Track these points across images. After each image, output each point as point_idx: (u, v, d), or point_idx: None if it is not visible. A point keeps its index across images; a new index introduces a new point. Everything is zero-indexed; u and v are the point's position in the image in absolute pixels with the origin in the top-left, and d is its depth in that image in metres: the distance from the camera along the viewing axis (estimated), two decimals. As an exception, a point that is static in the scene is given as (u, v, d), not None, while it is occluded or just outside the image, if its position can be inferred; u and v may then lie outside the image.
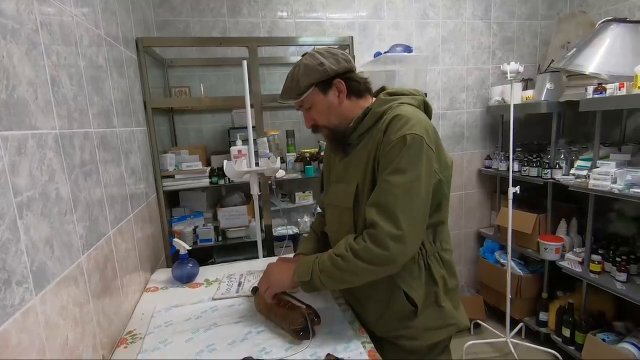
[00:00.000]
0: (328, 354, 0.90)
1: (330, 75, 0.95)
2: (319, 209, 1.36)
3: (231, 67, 2.24)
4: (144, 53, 1.63)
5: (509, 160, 2.17)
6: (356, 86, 0.99)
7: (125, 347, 1.01)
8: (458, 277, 1.07)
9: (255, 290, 1.17)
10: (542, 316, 2.33)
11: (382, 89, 1.05)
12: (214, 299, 1.25)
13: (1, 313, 0.57)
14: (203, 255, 2.05)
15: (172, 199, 2.06)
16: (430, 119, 1.01)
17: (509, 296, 2.24)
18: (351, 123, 1.00)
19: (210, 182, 1.85)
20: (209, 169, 1.86)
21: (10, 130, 0.65)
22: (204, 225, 1.93)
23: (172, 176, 1.77)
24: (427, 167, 0.88)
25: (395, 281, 0.98)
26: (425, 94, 1.07)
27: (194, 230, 1.90)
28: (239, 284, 1.35)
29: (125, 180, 1.29)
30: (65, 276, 0.79)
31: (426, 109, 1.02)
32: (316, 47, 1.03)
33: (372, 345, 0.97)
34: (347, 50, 1.90)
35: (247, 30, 2.23)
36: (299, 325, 0.97)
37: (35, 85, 0.75)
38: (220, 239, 1.96)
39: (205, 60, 2.20)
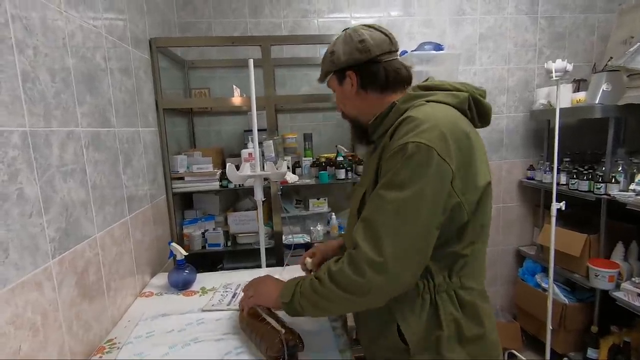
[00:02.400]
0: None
1: (341, 66, 0.86)
2: None
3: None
4: (157, 53, 1.62)
5: (553, 171, 1.91)
6: (373, 79, 0.85)
7: (101, 356, 0.97)
8: (489, 326, 0.82)
9: (243, 304, 1.08)
10: (591, 353, 2.01)
11: (426, 80, 0.89)
12: (202, 310, 1.18)
13: None
14: (213, 260, 2.01)
15: (186, 201, 2.04)
16: (486, 122, 0.86)
17: (549, 327, 1.96)
18: (373, 119, 0.87)
19: (221, 185, 1.80)
20: (219, 172, 1.81)
21: (-46, 126, 0.61)
22: (214, 229, 1.88)
23: (183, 178, 1.75)
24: (435, 185, 0.70)
25: (390, 310, 0.82)
26: (483, 93, 0.86)
27: (203, 234, 1.86)
28: (233, 296, 1.27)
29: (123, 181, 1.26)
30: (24, 282, 0.75)
31: (478, 109, 0.84)
32: (357, 26, 0.88)
33: (358, 382, 0.84)
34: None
35: (268, 30, 2.18)
36: (275, 352, 0.86)
37: (-2, 80, 0.72)
38: (229, 244, 1.90)
39: (225, 62, 2.18)
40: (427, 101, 0.80)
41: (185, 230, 1.85)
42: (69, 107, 0.96)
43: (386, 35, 0.85)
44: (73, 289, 0.93)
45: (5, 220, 0.71)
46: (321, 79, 0.93)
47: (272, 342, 0.88)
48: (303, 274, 1.15)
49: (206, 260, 2.00)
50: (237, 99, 1.78)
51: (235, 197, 2.19)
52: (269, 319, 0.94)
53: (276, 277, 1.02)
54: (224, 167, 2.01)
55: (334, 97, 0.95)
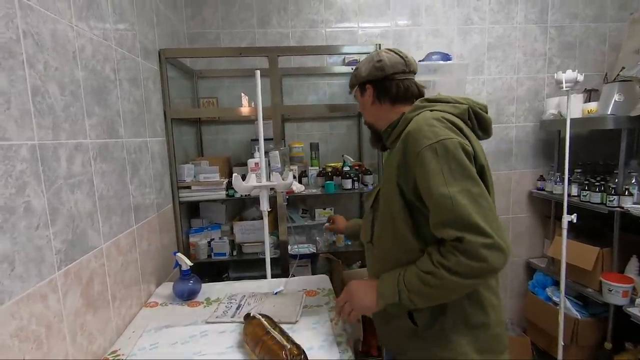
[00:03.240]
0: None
1: (360, 81, 1.04)
2: None
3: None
4: (165, 64, 1.64)
5: (564, 182, 1.87)
6: (387, 92, 1.01)
7: (104, 369, 0.97)
8: (494, 318, 0.92)
9: (247, 316, 1.08)
10: (605, 370, 1.95)
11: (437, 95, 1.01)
12: (207, 322, 1.17)
13: None
14: (219, 269, 2.01)
15: (193, 209, 2.05)
16: (487, 132, 0.97)
17: (561, 342, 1.91)
18: (385, 126, 1.02)
19: (227, 195, 1.81)
20: (225, 181, 1.81)
21: (-36, 141, 0.62)
22: (220, 238, 1.88)
23: (189, 187, 1.75)
24: (471, 165, 0.83)
25: None
26: (483, 107, 0.96)
27: (209, 243, 1.86)
28: (238, 307, 1.26)
29: (130, 191, 1.27)
30: (29, 294, 0.75)
31: (478, 121, 0.95)
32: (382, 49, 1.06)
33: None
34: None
35: (276, 40, 2.20)
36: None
37: (8, 95, 0.73)
38: (235, 253, 1.90)
39: (234, 71, 2.20)
40: (431, 110, 0.92)
41: (192, 239, 1.85)
42: (78, 119, 0.97)
43: (402, 58, 1.01)
44: (78, 300, 0.93)
45: (11, 233, 0.72)
46: (350, 91, 1.12)
47: (277, 357, 0.87)
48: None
49: (212, 270, 2.00)
50: (244, 109, 1.79)
51: (241, 206, 2.19)
52: (274, 333, 0.94)
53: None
54: (230, 175, 2.01)
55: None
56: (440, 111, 0.90)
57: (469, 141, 0.86)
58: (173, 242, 1.71)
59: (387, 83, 1.00)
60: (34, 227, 0.78)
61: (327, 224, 1.48)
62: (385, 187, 0.94)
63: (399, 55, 1.01)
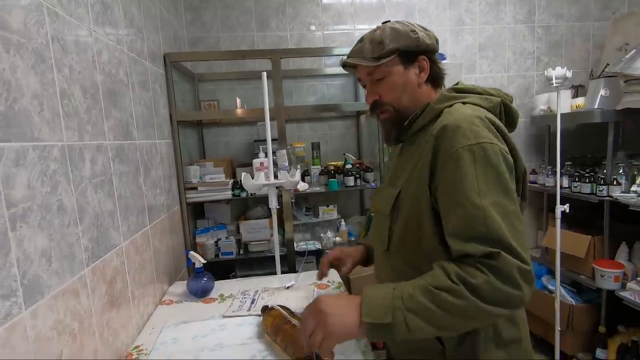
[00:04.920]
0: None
1: (419, 48, 0.80)
2: None
3: (259, 79, 2.24)
4: (171, 68, 1.67)
5: (556, 174, 1.96)
6: (437, 72, 0.84)
7: (130, 363, 0.99)
8: (525, 331, 0.82)
9: (264, 309, 1.11)
10: (600, 353, 2.03)
11: (457, 84, 0.85)
12: (224, 317, 1.21)
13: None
14: (225, 269, 2.03)
15: (198, 210, 2.08)
16: (513, 127, 0.82)
17: (558, 328, 1.98)
18: (412, 114, 0.83)
19: (233, 195, 1.84)
20: (231, 181, 1.85)
21: (7, 142, 0.65)
22: (226, 237, 1.92)
23: (196, 188, 1.78)
24: (510, 178, 0.70)
25: None
26: (511, 99, 0.83)
27: (216, 242, 1.89)
28: (252, 302, 1.30)
29: (144, 191, 1.30)
30: (64, 289, 0.78)
31: (507, 115, 0.81)
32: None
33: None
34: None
35: (275, 43, 2.24)
36: (304, 354, 0.89)
37: (42, 98, 0.76)
38: (242, 252, 1.93)
39: (234, 74, 2.24)
40: (463, 103, 0.78)
41: (199, 239, 1.88)
42: (98, 121, 1.00)
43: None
44: (104, 296, 0.96)
45: (48, 230, 0.75)
46: (383, 56, 0.80)
47: (300, 345, 0.90)
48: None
49: (218, 269, 2.03)
50: (248, 111, 1.83)
51: (245, 206, 2.23)
52: (294, 321, 0.98)
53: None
54: (233, 176, 2.05)
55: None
56: (473, 104, 0.77)
57: (509, 146, 0.73)
58: (181, 242, 1.74)
59: (438, 61, 0.84)
60: (66, 224, 0.81)
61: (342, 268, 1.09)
62: (412, 189, 0.79)
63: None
